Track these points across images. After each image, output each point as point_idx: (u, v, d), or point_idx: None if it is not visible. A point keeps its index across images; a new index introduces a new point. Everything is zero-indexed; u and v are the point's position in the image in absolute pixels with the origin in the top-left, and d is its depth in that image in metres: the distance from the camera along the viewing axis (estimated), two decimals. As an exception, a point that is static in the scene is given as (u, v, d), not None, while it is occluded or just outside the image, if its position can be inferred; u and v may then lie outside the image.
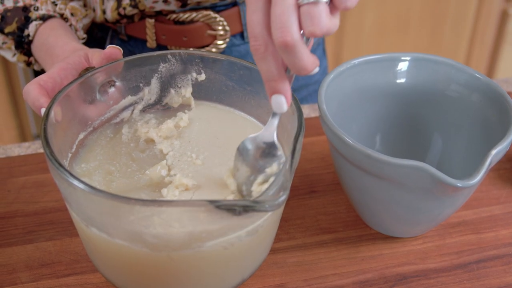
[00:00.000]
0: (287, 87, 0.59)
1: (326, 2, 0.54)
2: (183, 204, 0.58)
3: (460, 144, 0.82)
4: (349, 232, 0.82)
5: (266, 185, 0.65)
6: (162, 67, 0.78)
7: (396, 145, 0.86)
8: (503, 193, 0.88)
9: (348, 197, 0.80)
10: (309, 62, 0.56)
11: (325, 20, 0.54)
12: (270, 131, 0.66)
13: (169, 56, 0.77)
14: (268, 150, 0.66)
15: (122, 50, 0.78)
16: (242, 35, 1.07)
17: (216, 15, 1.02)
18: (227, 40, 1.04)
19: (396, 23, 2.30)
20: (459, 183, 0.65)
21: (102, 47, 1.08)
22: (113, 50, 0.77)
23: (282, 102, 0.59)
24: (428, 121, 0.84)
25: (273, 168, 0.66)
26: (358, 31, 2.27)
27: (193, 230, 0.60)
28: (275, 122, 0.65)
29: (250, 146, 0.67)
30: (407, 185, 0.69)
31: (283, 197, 0.58)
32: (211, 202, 0.57)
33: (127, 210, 0.59)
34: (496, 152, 0.69)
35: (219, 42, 1.04)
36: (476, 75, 0.79)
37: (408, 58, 0.82)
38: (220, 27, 1.03)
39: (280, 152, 0.66)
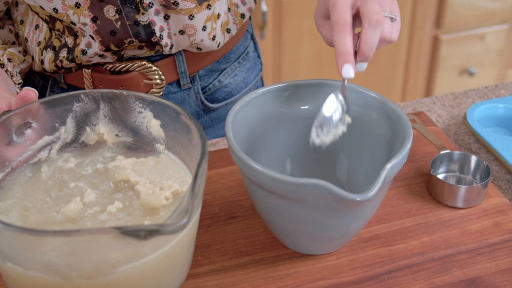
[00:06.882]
0: (353, 60, 0.77)
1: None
2: (90, 232, 0.61)
3: (364, 161, 0.86)
4: (267, 253, 0.85)
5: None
6: (76, 106, 0.81)
7: (306, 168, 0.91)
8: (413, 206, 0.92)
9: (263, 219, 0.83)
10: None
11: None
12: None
13: (82, 95, 0.80)
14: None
15: (37, 92, 0.80)
16: (178, 82, 1.08)
17: (151, 65, 1.03)
18: (163, 88, 1.06)
19: (332, 54, 2.35)
20: (357, 197, 0.70)
21: (44, 94, 1.10)
22: (27, 92, 0.79)
23: (351, 69, 0.76)
24: (332, 142, 0.89)
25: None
26: (296, 63, 2.33)
27: (103, 257, 0.64)
28: (344, 84, 0.82)
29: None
30: (311, 203, 0.73)
31: (185, 220, 0.62)
32: (117, 228, 0.60)
33: (37, 241, 0.62)
34: (391, 166, 0.73)
35: (156, 90, 1.05)
36: (372, 95, 0.84)
37: (309, 84, 0.87)
38: (156, 76, 1.04)
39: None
